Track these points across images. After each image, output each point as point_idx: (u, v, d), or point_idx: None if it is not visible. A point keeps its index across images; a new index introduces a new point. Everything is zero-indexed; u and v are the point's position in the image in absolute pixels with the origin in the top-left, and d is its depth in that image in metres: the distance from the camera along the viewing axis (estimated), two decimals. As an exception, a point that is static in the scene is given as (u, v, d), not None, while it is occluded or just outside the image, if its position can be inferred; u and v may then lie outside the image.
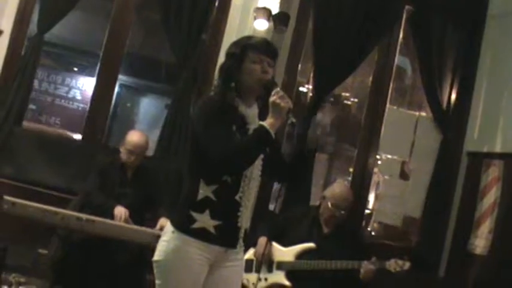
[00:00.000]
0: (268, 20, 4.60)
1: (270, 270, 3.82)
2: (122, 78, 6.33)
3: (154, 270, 2.31)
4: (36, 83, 6.21)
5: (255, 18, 4.62)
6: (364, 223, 5.31)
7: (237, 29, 4.74)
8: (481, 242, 4.69)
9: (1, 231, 3.92)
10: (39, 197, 3.89)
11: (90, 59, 6.53)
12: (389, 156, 5.33)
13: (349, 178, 5.37)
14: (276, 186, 4.78)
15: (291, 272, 3.77)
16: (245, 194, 2.31)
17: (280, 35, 4.76)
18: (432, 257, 5.04)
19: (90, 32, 6.22)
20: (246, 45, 2.34)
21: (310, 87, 5.12)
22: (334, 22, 4.91)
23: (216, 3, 4.88)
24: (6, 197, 3.52)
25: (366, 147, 5.19)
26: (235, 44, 2.39)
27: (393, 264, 3.57)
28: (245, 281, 3.70)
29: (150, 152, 4.41)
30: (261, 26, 4.61)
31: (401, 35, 5.23)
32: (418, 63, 5.28)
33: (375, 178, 5.36)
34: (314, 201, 4.78)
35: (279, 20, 4.66)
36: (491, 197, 4.71)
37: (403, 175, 5.25)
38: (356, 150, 5.33)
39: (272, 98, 2.24)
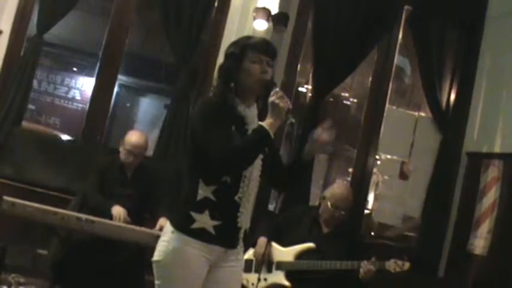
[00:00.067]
0: (268, 20, 4.60)
1: (269, 271, 3.82)
2: (121, 78, 6.32)
3: (154, 271, 2.31)
4: (35, 83, 6.20)
5: (254, 19, 4.63)
6: (363, 223, 5.31)
7: (236, 29, 4.74)
8: (480, 242, 4.69)
9: (0, 231, 3.92)
10: (38, 197, 3.89)
11: (90, 59, 6.53)
12: (388, 157, 5.33)
13: (349, 178, 5.37)
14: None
15: (291, 272, 3.77)
16: (245, 195, 2.30)
17: (280, 35, 4.76)
18: (432, 257, 5.04)
19: (89, 32, 6.21)
20: (245, 45, 2.34)
21: (310, 87, 5.13)
22: (334, 22, 4.91)
23: (216, 4, 4.89)
24: (6, 197, 3.51)
25: (365, 148, 5.20)
26: (234, 44, 2.39)
27: (393, 265, 3.56)
28: (245, 281, 3.70)
29: (149, 152, 4.41)
30: (261, 26, 4.62)
31: (400, 35, 5.23)
32: (418, 63, 5.29)
33: (374, 178, 5.37)
34: (313, 201, 4.79)
35: (278, 20, 4.66)
36: (490, 197, 4.71)
37: (403, 175, 5.25)
38: (355, 150, 5.34)
39: (271, 98, 2.24)
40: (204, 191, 2.26)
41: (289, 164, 2.49)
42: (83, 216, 3.60)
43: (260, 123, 2.24)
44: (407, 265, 3.56)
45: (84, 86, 7.17)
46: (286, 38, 4.91)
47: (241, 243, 2.38)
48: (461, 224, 4.97)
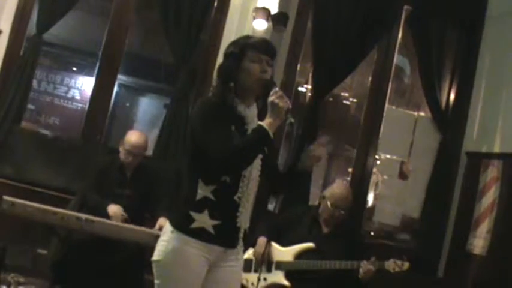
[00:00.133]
0: (267, 20, 4.60)
1: (269, 270, 3.82)
2: (121, 78, 6.32)
3: (154, 270, 2.31)
4: (35, 83, 6.19)
5: (254, 18, 4.63)
6: (363, 223, 5.31)
7: (236, 29, 4.74)
8: (479, 242, 4.69)
9: (0, 231, 3.92)
10: (38, 197, 3.89)
11: (89, 59, 6.52)
12: (388, 156, 5.33)
13: (348, 178, 5.37)
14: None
15: (290, 272, 3.77)
16: (244, 194, 2.31)
17: (279, 34, 4.76)
18: (431, 257, 5.05)
19: (89, 32, 6.21)
20: (244, 45, 2.34)
21: (309, 87, 5.12)
22: (333, 22, 4.91)
23: (215, 4, 4.89)
24: (6, 197, 3.52)
25: (365, 147, 5.20)
26: (233, 43, 2.39)
27: (392, 265, 3.57)
28: (244, 281, 3.70)
29: (149, 152, 4.41)
30: (260, 26, 4.62)
31: (400, 35, 5.23)
32: (417, 63, 5.29)
33: (374, 178, 5.37)
34: (313, 201, 4.79)
35: (278, 20, 4.66)
36: (490, 197, 4.71)
37: (402, 175, 5.25)
38: (355, 150, 5.34)
39: (271, 98, 2.24)
40: (203, 191, 2.26)
41: (284, 174, 2.51)
42: (83, 216, 3.60)
43: (259, 123, 2.24)
44: (406, 265, 3.56)
45: (83, 85, 7.16)
46: (286, 37, 4.91)
47: (240, 243, 2.38)
48: (461, 224, 4.97)
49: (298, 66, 5.06)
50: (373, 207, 5.41)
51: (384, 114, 5.20)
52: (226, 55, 2.37)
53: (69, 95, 7.17)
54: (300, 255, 3.77)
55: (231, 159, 2.20)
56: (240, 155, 2.22)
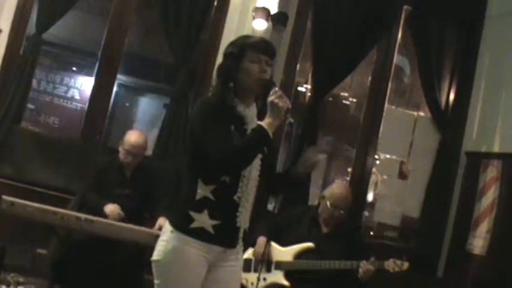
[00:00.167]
0: (267, 19, 4.60)
1: (268, 270, 3.82)
2: (120, 78, 6.32)
3: (153, 270, 2.31)
4: (34, 83, 6.19)
5: (253, 18, 4.63)
6: (362, 223, 5.31)
7: (235, 29, 4.74)
8: (479, 242, 4.69)
9: (0, 231, 3.92)
10: (38, 197, 3.89)
11: (89, 59, 6.52)
12: (387, 156, 5.33)
13: (348, 178, 5.37)
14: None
15: (290, 271, 3.77)
16: (244, 194, 2.30)
17: (279, 34, 4.76)
18: (431, 257, 5.05)
19: (88, 32, 6.21)
20: (244, 45, 2.34)
21: (309, 87, 5.12)
22: (333, 22, 4.92)
23: (215, 3, 4.89)
24: (5, 197, 3.51)
25: (364, 147, 5.20)
26: (233, 43, 2.38)
27: (392, 264, 3.57)
28: (244, 281, 3.70)
29: (148, 152, 4.41)
30: (260, 25, 4.62)
31: (400, 35, 5.24)
32: (417, 63, 5.30)
33: (373, 178, 5.37)
34: (313, 201, 4.79)
35: (278, 19, 4.66)
36: (489, 197, 4.71)
37: (402, 175, 5.25)
38: (355, 150, 5.34)
39: (270, 98, 2.24)
40: (203, 191, 2.26)
41: (281, 175, 2.52)
42: (83, 215, 3.60)
43: (259, 122, 2.24)
44: (406, 265, 3.56)
45: (83, 85, 7.16)
46: (286, 37, 4.91)
47: (240, 243, 2.38)
48: (460, 224, 4.97)
49: (298, 66, 5.06)
50: (372, 207, 5.41)
51: (384, 114, 5.20)
52: (226, 55, 2.37)
53: (69, 94, 7.16)
54: (299, 255, 3.77)
55: (231, 159, 2.20)
56: (239, 155, 2.22)
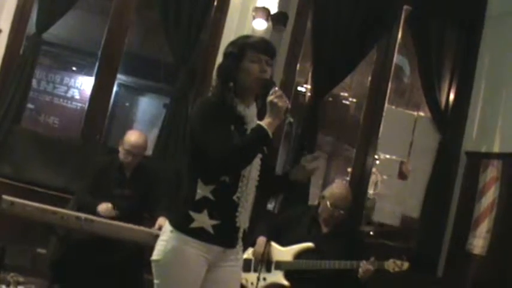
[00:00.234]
0: (267, 19, 4.60)
1: (268, 270, 3.82)
2: (120, 77, 6.31)
3: (153, 270, 2.31)
4: (34, 82, 6.19)
5: (253, 18, 4.63)
6: (362, 223, 5.31)
7: (235, 28, 4.74)
8: (479, 241, 4.69)
9: (0, 231, 3.92)
10: (37, 197, 3.88)
11: (89, 59, 6.52)
12: (387, 156, 5.33)
13: (348, 178, 5.37)
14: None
15: (290, 271, 3.77)
16: (243, 194, 2.30)
17: (279, 34, 4.76)
18: (431, 256, 5.05)
19: (88, 32, 6.21)
20: (244, 45, 2.33)
21: (309, 86, 5.12)
22: (333, 22, 4.92)
23: (215, 3, 4.89)
24: (5, 197, 3.51)
25: (364, 147, 5.20)
26: (233, 43, 2.38)
27: (392, 264, 3.57)
28: (244, 281, 3.70)
29: (148, 152, 4.41)
30: (260, 25, 4.62)
31: (400, 35, 5.24)
32: (417, 63, 5.30)
33: (373, 178, 5.37)
34: (312, 201, 4.79)
35: (278, 19, 4.66)
36: (489, 197, 4.71)
37: (402, 175, 5.25)
38: (354, 150, 5.34)
39: (270, 98, 2.24)
40: (202, 191, 2.26)
41: (279, 177, 2.51)
42: (82, 215, 3.60)
43: (259, 122, 2.24)
44: (406, 265, 3.56)
45: (83, 85, 7.16)
46: (286, 37, 4.91)
47: (240, 243, 2.38)
48: (460, 224, 4.97)
49: (298, 66, 5.06)
50: (372, 207, 5.40)
51: (384, 114, 5.20)
52: (226, 55, 2.37)
53: (69, 94, 7.16)
54: (299, 255, 3.77)
55: (231, 158, 2.20)
56: (239, 155, 2.21)
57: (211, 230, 2.25)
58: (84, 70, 7.17)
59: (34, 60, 4.62)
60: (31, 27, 4.62)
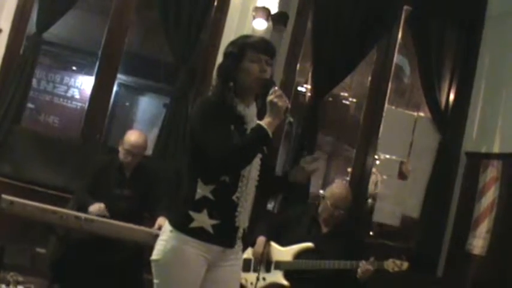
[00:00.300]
0: (267, 19, 4.60)
1: (268, 270, 3.82)
2: (120, 77, 6.31)
3: (153, 270, 2.31)
4: (34, 82, 6.18)
5: (254, 18, 4.63)
6: (362, 223, 5.30)
7: (235, 28, 4.74)
8: (479, 242, 4.69)
9: (-1, 230, 3.92)
10: (37, 196, 3.88)
11: (89, 58, 6.52)
12: (387, 156, 5.33)
13: (348, 178, 5.37)
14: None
15: (289, 271, 3.77)
16: (243, 194, 2.31)
17: (279, 34, 4.76)
18: (430, 256, 5.05)
19: (89, 31, 6.21)
20: (244, 44, 2.34)
21: (309, 86, 5.12)
22: (333, 22, 4.92)
23: (215, 3, 4.89)
24: (5, 196, 3.51)
25: (364, 147, 5.20)
26: (233, 43, 2.38)
27: (391, 264, 3.57)
28: (243, 281, 3.70)
29: (148, 151, 4.41)
30: (260, 25, 4.62)
31: (400, 35, 5.24)
32: (417, 63, 5.29)
33: (373, 178, 5.37)
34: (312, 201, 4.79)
35: (278, 19, 4.66)
36: (489, 197, 4.71)
37: (402, 175, 5.25)
38: (354, 150, 5.34)
39: (270, 97, 2.24)
40: (202, 190, 2.26)
41: (279, 178, 2.52)
42: (82, 215, 3.60)
43: (258, 122, 2.24)
44: (405, 265, 3.56)
45: (83, 85, 7.16)
46: (286, 37, 4.91)
47: (239, 243, 2.38)
48: (460, 224, 4.97)
49: (298, 65, 5.06)
50: (372, 207, 5.40)
51: (384, 114, 5.20)
52: (226, 55, 2.37)
53: (69, 94, 7.16)
54: (299, 255, 3.77)
55: (230, 158, 2.20)
56: (239, 154, 2.22)
57: (210, 230, 2.25)
58: (84, 70, 7.17)
59: (34, 60, 4.62)
60: (31, 26, 4.62)
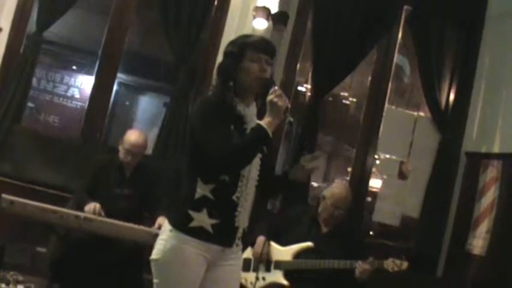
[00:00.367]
0: (267, 19, 4.60)
1: (268, 270, 3.82)
2: (120, 76, 6.32)
3: (152, 269, 2.31)
4: (34, 81, 6.19)
5: (254, 18, 4.62)
6: (362, 223, 5.30)
7: (236, 28, 4.74)
8: (479, 242, 4.69)
9: (-1, 230, 3.92)
10: (37, 196, 3.88)
11: (89, 58, 6.52)
12: (387, 156, 5.33)
13: (348, 178, 5.37)
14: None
15: (289, 271, 3.77)
16: (243, 194, 2.31)
17: (279, 34, 4.76)
18: (430, 256, 5.04)
19: (89, 31, 6.21)
20: (244, 44, 2.34)
21: (309, 86, 5.12)
22: (333, 22, 4.92)
23: (215, 3, 4.89)
24: (5, 196, 3.51)
25: (364, 147, 5.20)
26: (233, 42, 2.39)
27: (391, 264, 3.57)
28: (243, 280, 3.70)
29: (148, 151, 4.41)
30: (260, 25, 4.61)
31: (400, 35, 5.23)
32: (417, 63, 5.29)
33: (373, 178, 5.36)
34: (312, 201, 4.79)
35: (278, 19, 4.66)
36: (489, 197, 4.71)
37: (402, 175, 5.24)
38: (354, 150, 5.33)
39: (270, 97, 2.24)
40: (202, 190, 2.26)
41: (278, 178, 2.52)
42: (82, 214, 3.60)
43: (258, 122, 2.24)
44: (405, 264, 3.56)
45: (83, 84, 7.16)
46: (286, 37, 4.91)
47: (239, 242, 2.38)
48: (460, 224, 4.97)
49: (298, 65, 5.06)
50: (372, 207, 5.40)
51: (384, 114, 5.20)
52: (226, 54, 2.37)
53: (69, 93, 7.16)
54: (298, 255, 3.77)
55: (230, 158, 2.20)
56: (239, 154, 2.22)
57: (210, 229, 2.26)
58: (84, 69, 7.17)
59: (34, 59, 4.62)
60: (31, 25, 4.62)
